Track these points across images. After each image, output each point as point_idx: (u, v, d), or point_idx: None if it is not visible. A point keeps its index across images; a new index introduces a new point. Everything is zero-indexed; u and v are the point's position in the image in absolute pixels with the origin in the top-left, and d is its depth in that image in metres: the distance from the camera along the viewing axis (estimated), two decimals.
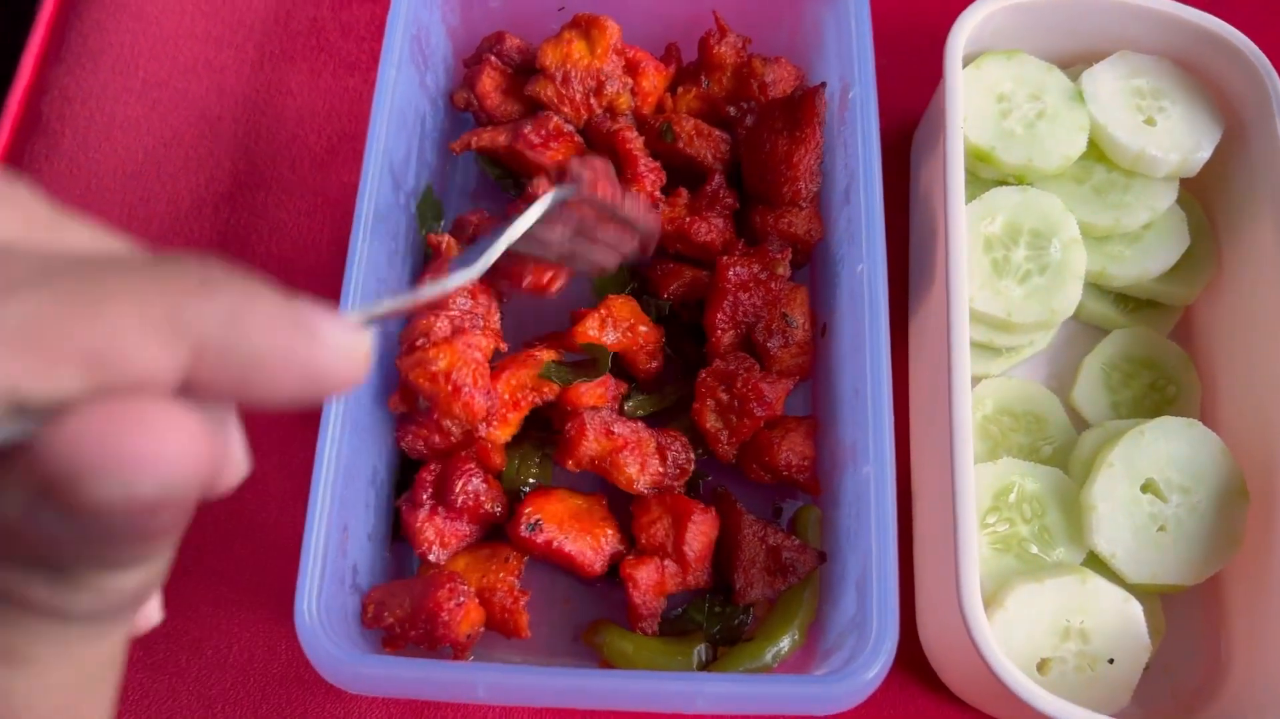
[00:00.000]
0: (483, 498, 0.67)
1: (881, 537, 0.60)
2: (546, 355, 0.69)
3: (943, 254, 0.70)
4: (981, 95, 0.77)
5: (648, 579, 0.65)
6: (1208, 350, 0.79)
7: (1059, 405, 0.76)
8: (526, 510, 0.67)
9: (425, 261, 0.77)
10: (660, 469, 0.69)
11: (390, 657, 0.62)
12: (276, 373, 0.26)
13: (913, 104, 0.85)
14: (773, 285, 0.72)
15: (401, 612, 0.62)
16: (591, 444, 0.68)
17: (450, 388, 0.66)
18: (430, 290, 0.41)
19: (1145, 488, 0.70)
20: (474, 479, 0.67)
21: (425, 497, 0.67)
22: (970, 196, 0.76)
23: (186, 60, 0.90)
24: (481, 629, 0.66)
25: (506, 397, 0.68)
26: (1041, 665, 0.67)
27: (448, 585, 0.63)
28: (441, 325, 0.68)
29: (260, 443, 0.77)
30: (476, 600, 0.65)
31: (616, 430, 0.68)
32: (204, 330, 0.24)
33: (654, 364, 0.74)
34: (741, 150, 0.78)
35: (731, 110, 0.78)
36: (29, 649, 0.26)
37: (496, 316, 0.72)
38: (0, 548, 0.25)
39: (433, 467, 0.68)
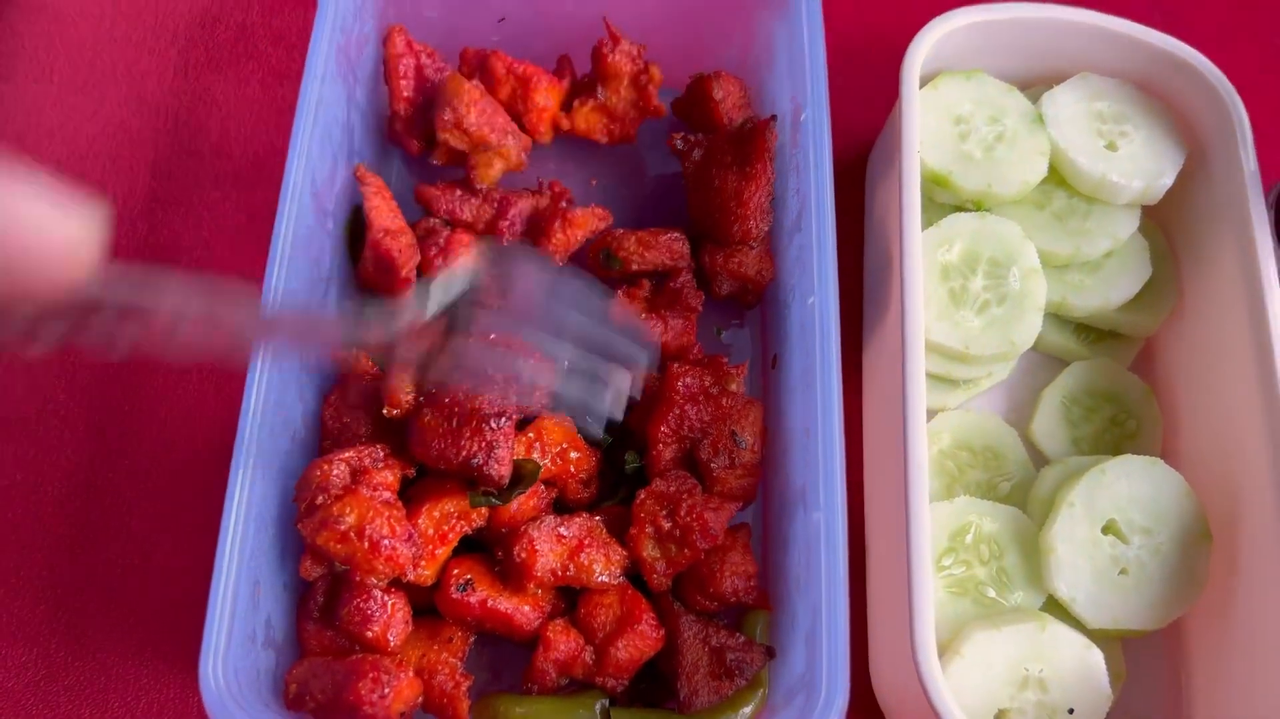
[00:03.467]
0: (374, 622, 0.60)
1: (832, 589, 0.57)
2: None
3: (898, 283, 0.67)
4: (939, 117, 0.74)
5: (562, 652, 0.62)
6: (1169, 383, 0.76)
7: (1017, 440, 0.73)
8: (455, 572, 0.62)
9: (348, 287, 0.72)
10: (624, 552, 0.64)
11: None
12: None
13: (868, 125, 0.82)
14: (724, 401, 0.67)
15: (324, 696, 0.57)
16: (548, 558, 0.63)
17: (366, 545, 0.58)
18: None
19: (1106, 529, 0.67)
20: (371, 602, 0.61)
21: (315, 608, 0.62)
22: (927, 222, 0.73)
23: (105, 66, 0.85)
24: (418, 704, 0.61)
25: (431, 531, 0.62)
26: (999, 716, 0.63)
27: (370, 675, 0.57)
28: (339, 472, 0.60)
29: (178, 482, 0.72)
30: (413, 676, 0.60)
31: (567, 533, 0.63)
32: None
33: (586, 493, 0.67)
34: (687, 186, 0.74)
35: (678, 143, 0.74)
36: None
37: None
38: None
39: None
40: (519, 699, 0.62)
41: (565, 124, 0.78)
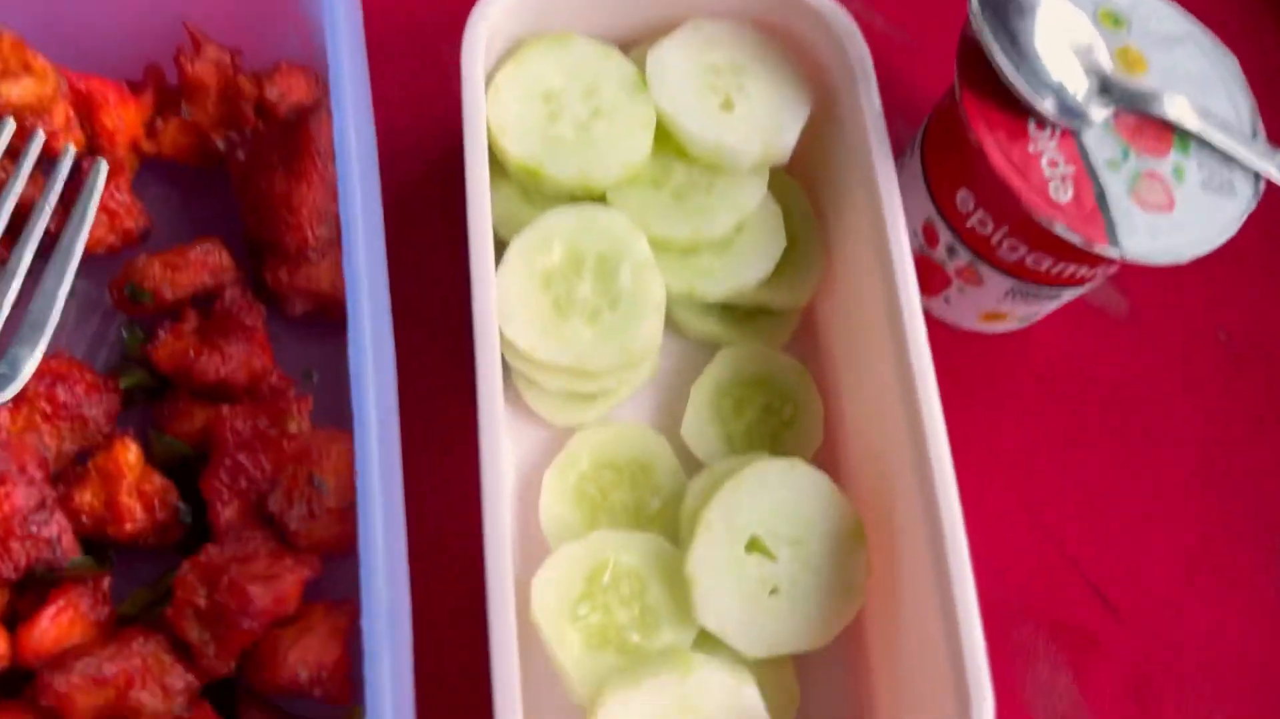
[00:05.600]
0: None
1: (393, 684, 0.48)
2: None
3: (482, 303, 0.57)
4: (526, 96, 0.64)
5: None
6: (829, 359, 0.69)
7: (666, 447, 0.66)
8: None
9: None
10: (189, 677, 0.54)
11: None
12: None
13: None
14: (285, 444, 0.57)
15: None
16: (88, 702, 0.52)
17: None
18: None
19: (750, 547, 0.60)
20: None
21: None
22: (526, 221, 0.63)
23: None
24: None
25: None
26: None
27: None
28: None
29: None
30: None
31: (111, 672, 0.52)
32: None
33: (164, 539, 0.57)
34: (237, 195, 0.63)
35: (220, 144, 0.63)
36: None
37: None
38: None
39: None
40: None
41: (148, 147, 0.65)
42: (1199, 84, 0.64)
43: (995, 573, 0.70)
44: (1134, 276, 0.79)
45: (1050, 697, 0.69)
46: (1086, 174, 0.61)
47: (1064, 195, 0.60)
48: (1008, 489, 0.73)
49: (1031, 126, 0.61)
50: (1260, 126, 0.64)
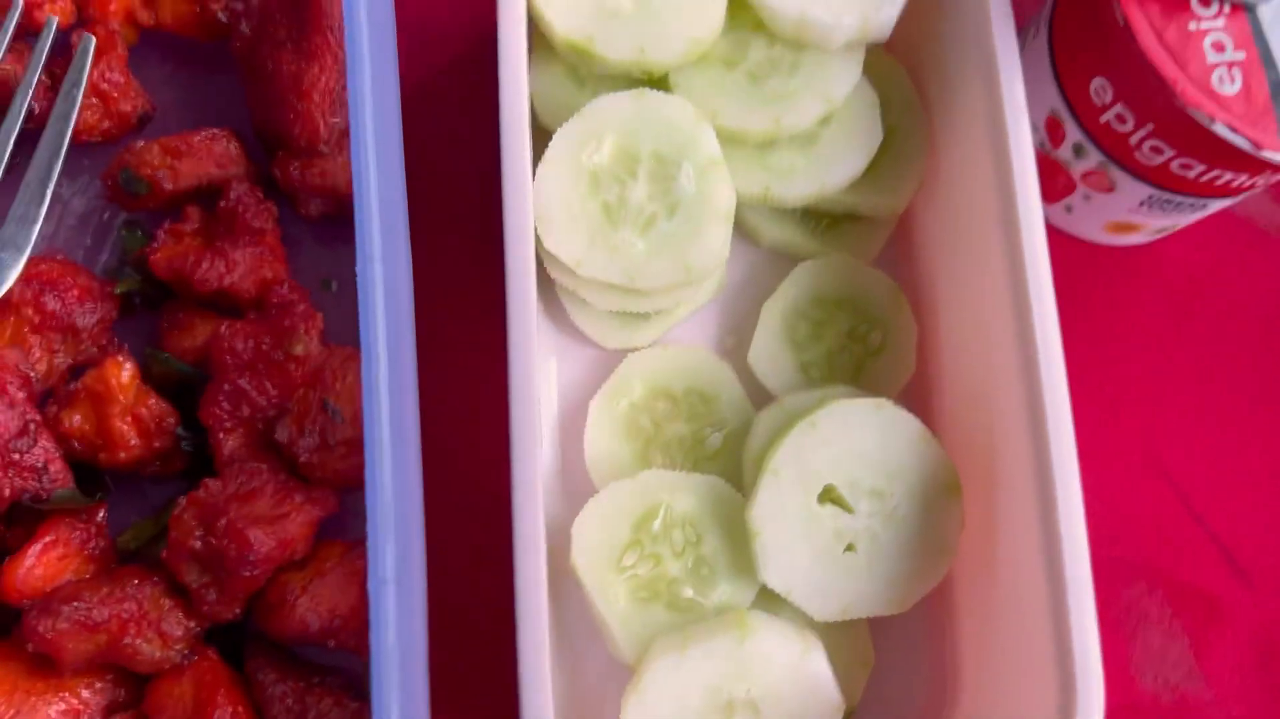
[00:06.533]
0: None
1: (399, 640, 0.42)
2: None
3: (515, 208, 0.49)
4: None
5: None
6: (928, 276, 0.60)
7: (732, 376, 0.57)
8: None
9: None
10: (190, 623, 0.49)
11: None
12: None
13: None
14: (292, 368, 0.50)
15: None
16: (80, 648, 0.47)
17: None
18: None
19: (825, 497, 0.52)
20: None
21: None
22: (576, 108, 0.54)
23: None
24: None
25: None
26: None
27: None
28: None
29: None
30: None
31: (104, 615, 0.47)
32: None
33: (124, 455, 0.51)
34: (242, 76, 0.54)
35: (222, 15, 0.54)
36: None
37: None
38: None
39: None
40: None
41: (145, 17, 0.57)
42: None
43: (1108, 525, 0.63)
44: None
45: (1163, 665, 0.61)
46: (1260, 61, 0.49)
47: (1230, 87, 0.49)
48: (1128, 431, 0.64)
49: (1195, 1, 0.50)
50: None
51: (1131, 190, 0.58)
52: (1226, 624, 0.62)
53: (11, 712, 0.47)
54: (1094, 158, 0.58)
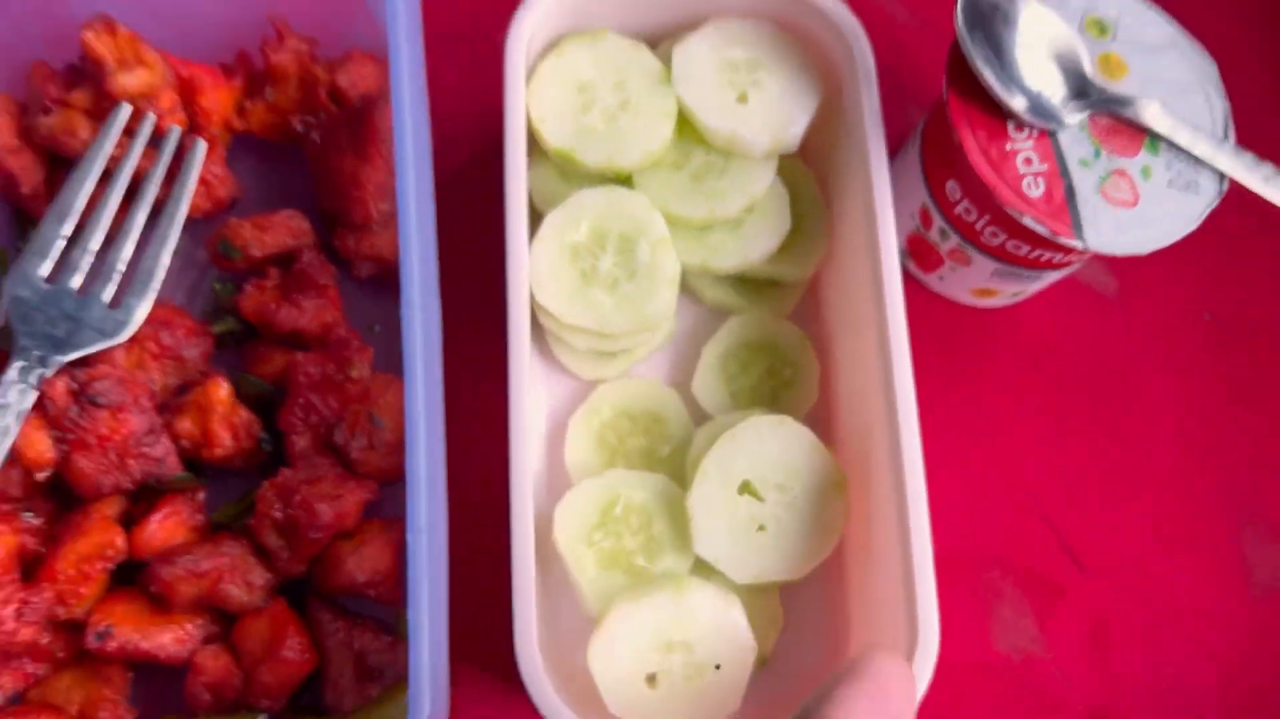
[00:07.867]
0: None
1: (429, 592, 0.58)
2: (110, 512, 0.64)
3: (515, 272, 0.67)
4: (563, 87, 0.73)
5: (212, 677, 0.63)
6: (830, 325, 0.78)
7: (678, 401, 0.75)
8: (93, 619, 0.63)
9: None
10: (268, 575, 0.66)
11: None
12: None
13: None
14: (349, 387, 0.67)
15: None
16: (188, 590, 0.64)
17: None
18: None
19: (742, 489, 0.69)
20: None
21: None
22: (563, 198, 0.73)
23: None
24: None
25: (72, 572, 0.62)
26: (651, 680, 0.67)
27: None
28: None
29: None
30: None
31: (206, 567, 0.64)
32: None
33: (219, 452, 0.67)
34: (312, 171, 0.73)
35: (299, 126, 0.73)
36: None
37: None
38: None
39: None
40: None
41: (238, 124, 0.75)
42: (1176, 89, 0.70)
43: (973, 525, 0.79)
44: (1124, 259, 0.85)
45: (1013, 633, 0.77)
46: (1059, 171, 0.68)
47: (1035, 191, 0.67)
48: (991, 451, 0.80)
49: (1011, 127, 0.68)
50: (1232, 130, 0.70)
51: (983, 264, 0.76)
52: (1064, 603, 0.78)
53: (139, 636, 0.64)
54: (954, 239, 0.76)
